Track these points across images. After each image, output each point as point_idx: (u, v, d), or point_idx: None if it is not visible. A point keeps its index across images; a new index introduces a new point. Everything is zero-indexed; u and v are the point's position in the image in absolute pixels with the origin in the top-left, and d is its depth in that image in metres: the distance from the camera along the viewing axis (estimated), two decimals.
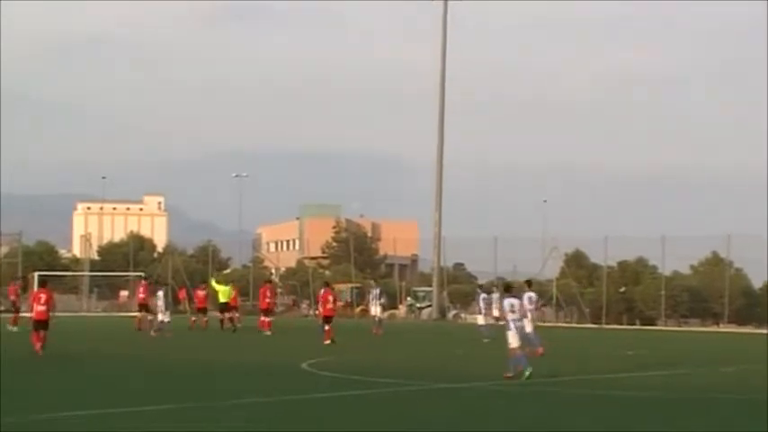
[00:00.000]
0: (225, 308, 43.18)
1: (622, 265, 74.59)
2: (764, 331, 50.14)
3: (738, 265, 70.44)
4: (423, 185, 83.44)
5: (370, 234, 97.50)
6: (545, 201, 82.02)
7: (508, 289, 22.36)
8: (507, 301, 21.08)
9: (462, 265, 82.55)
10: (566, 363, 25.67)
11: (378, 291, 45.03)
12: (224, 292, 43.69)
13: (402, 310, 71.52)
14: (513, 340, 20.49)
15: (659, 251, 68.17)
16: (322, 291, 36.45)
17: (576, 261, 76.26)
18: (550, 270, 72.19)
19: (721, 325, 63.69)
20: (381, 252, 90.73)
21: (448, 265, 74.94)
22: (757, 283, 70.47)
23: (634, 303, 71.73)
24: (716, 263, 71.54)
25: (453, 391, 19.14)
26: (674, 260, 70.58)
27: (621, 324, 67.59)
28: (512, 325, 20.61)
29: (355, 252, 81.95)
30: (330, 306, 34.20)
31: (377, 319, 42.45)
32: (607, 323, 65.25)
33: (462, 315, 67.96)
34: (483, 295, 40.14)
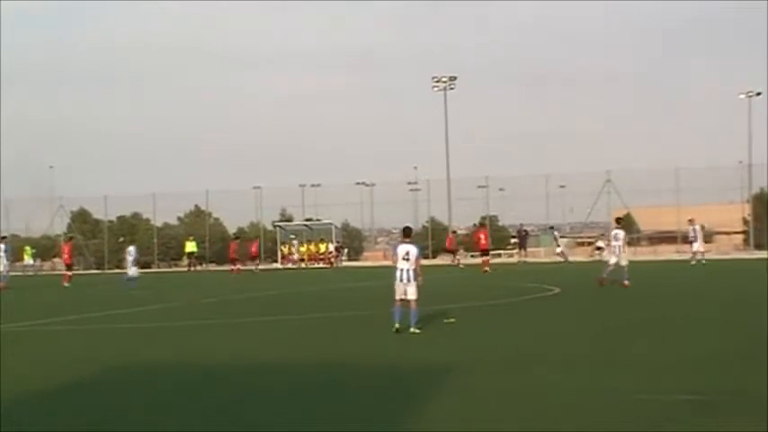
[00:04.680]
0: None
1: (121, 219, 77.90)
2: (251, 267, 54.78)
3: (216, 215, 76.52)
4: None
5: None
6: (51, 167, 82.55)
7: (407, 234, 18.39)
8: (402, 248, 17.67)
9: None
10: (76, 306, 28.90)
11: None
12: None
13: None
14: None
15: (151, 206, 72.35)
16: None
17: (82, 217, 77.77)
18: (59, 226, 73.86)
19: (204, 265, 69.06)
20: None
21: None
22: (231, 229, 76.95)
23: None
24: (198, 214, 76.94)
25: None
26: (163, 213, 75.06)
27: (122, 269, 70.96)
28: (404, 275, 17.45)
29: None
30: None
31: None
32: (109, 269, 68.47)
33: None
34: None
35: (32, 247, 65.11)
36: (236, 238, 57.98)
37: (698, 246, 46.05)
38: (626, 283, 28.18)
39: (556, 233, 60.08)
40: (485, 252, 45.64)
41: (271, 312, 24.25)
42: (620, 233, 29.71)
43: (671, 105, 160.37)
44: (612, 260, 29.41)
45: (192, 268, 61.23)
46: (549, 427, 9.11)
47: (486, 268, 42.95)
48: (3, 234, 53.41)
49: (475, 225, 73.65)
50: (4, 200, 72.32)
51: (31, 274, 59.88)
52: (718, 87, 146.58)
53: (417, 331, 17.08)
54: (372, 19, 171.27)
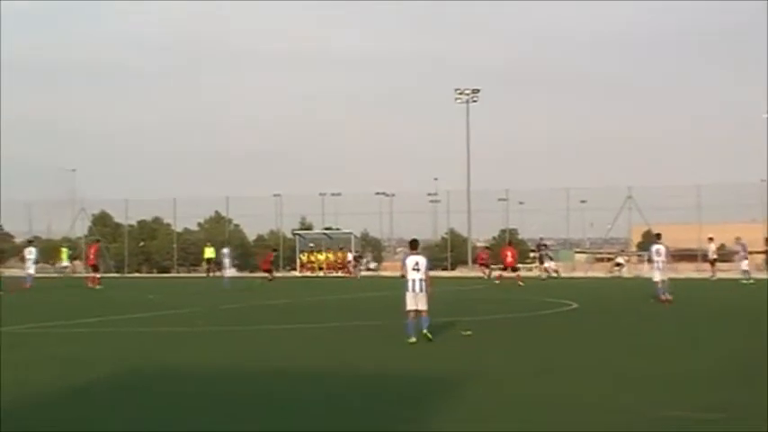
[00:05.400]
0: None
1: (141, 223, 78.20)
2: (256, 275, 55.21)
3: (236, 222, 76.75)
4: None
5: None
6: (73, 170, 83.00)
7: (414, 246, 18.40)
8: (411, 259, 17.77)
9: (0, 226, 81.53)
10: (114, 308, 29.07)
11: None
12: None
13: None
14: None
15: (172, 211, 72.67)
16: None
17: (103, 221, 78.02)
18: (80, 229, 74.21)
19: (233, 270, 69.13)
20: None
21: None
22: (251, 236, 77.20)
23: (151, 255, 75.74)
24: (218, 220, 77.18)
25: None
26: (184, 218, 75.31)
27: (141, 273, 71.39)
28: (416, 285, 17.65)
29: None
30: None
31: None
32: (129, 272, 68.74)
33: None
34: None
35: (71, 249, 65.28)
36: (274, 250, 57.83)
37: (746, 263, 46.04)
38: (668, 297, 28.19)
39: (547, 250, 58.47)
40: (514, 269, 45.85)
41: (289, 320, 24.26)
42: (662, 248, 29.68)
43: (693, 121, 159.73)
44: (657, 276, 29.28)
45: (211, 274, 61.31)
46: None
47: (520, 282, 42.96)
48: (30, 238, 53.96)
49: (494, 238, 73.54)
50: (26, 202, 72.85)
51: (62, 275, 59.91)
52: (742, 103, 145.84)
53: (429, 335, 17.31)
54: (396, 27, 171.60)
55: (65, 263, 62.77)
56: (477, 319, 22.84)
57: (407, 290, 17.72)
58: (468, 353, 16.31)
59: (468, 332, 18.98)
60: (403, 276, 17.97)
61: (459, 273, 58.67)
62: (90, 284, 41.41)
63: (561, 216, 66.05)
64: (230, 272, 39.89)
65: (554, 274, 51.95)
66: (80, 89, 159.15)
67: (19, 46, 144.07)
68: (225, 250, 41.75)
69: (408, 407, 10.84)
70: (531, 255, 69.25)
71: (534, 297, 32.58)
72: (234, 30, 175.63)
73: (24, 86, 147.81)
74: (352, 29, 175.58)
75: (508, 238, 59.99)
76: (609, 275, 56.09)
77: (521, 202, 67.61)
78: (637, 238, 70.58)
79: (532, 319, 24.11)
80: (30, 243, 45.88)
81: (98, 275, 42.86)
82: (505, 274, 45.64)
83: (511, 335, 19.84)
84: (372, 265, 65.31)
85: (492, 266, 52.25)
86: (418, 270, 17.75)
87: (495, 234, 76.64)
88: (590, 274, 58.41)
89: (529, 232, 72.10)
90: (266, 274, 48.68)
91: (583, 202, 65.70)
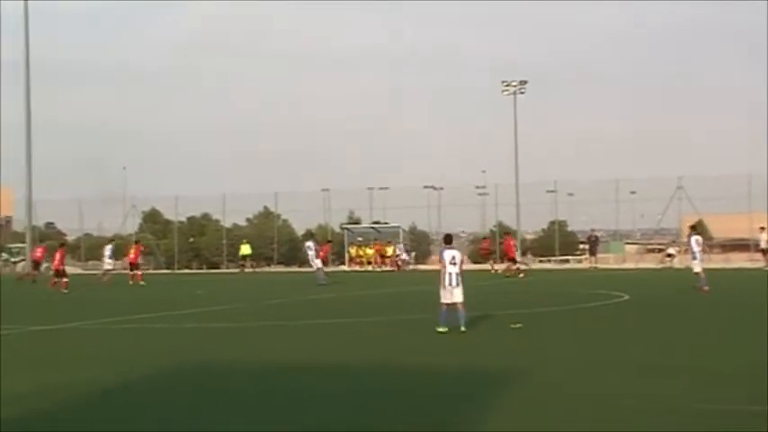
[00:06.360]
0: None
1: (191, 219, 78.65)
2: (304, 269, 55.29)
3: (285, 217, 76.91)
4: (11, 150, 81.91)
5: None
6: (124, 167, 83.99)
7: (448, 240, 19.18)
8: (448, 253, 18.18)
9: (53, 223, 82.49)
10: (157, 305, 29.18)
11: None
12: None
13: None
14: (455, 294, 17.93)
15: (220, 207, 73.07)
16: None
17: (153, 218, 78.46)
18: (130, 226, 74.91)
19: (272, 266, 69.53)
20: None
21: (39, 224, 74.41)
22: (300, 231, 77.20)
23: (201, 251, 76.18)
24: (266, 215, 77.42)
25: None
26: (232, 214, 75.62)
27: (191, 269, 71.85)
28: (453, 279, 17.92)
29: None
30: None
31: None
32: (179, 269, 69.21)
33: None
34: None
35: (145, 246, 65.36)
36: (329, 241, 57.70)
37: None
38: (705, 288, 28.42)
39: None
40: (512, 260, 45.89)
41: (338, 314, 24.15)
42: (700, 239, 30.34)
43: (747, 112, 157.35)
44: (698, 267, 29.46)
45: (248, 269, 61.45)
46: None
47: (521, 275, 43.06)
48: (111, 237, 55.60)
49: (543, 230, 72.85)
50: (78, 200, 73.59)
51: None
52: None
53: (465, 330, 17.46)
54: (443, 19, 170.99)
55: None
56: (525, 311, 22.55)
57: (444, 283, 18.03)
58: (519, 346, 16.07)
59: (519, 325, 18.76)
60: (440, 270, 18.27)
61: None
62: (131, 281, 41.95)
63: (611, 207, 65.35)
64: (318, 263, 40.37)
65: (522, 267, 49.09)
66: (133, 89, 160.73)
67: (69, 48, 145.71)
68: (309, 243, 41.61)
69: (461, 403, 10.65)
70: (581, 246, 68.57)
71: (581, 289, 32.18)
72: (279, 30, 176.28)
73: (78, 87, 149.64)
74: (395, 26, 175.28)
75: (488, 230, 59.16)
76: (660, 266, 55.29)
77: (570, 194, 66.98)
78: (687, 229, 69.58)
79: (582, 311, 23.77)
80: (110, 241, 48.81)
81: (139, 272, 43.39)
82: (510, 266, 45.37)
83: (559, 327, 19.54)
84: (406, 257, 63.87)
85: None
86: (455, 264, 18.06)
87: (545, 226, 75.98)
88: (640, 265, 57.62)
89: (578, 224, 71.45)
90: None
91: (632, 193, 64.92)
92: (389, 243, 63.83)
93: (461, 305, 17.93)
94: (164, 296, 33.84)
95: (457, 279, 18.00)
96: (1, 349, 16.26)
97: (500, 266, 48.17)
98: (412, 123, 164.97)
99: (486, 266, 49.09)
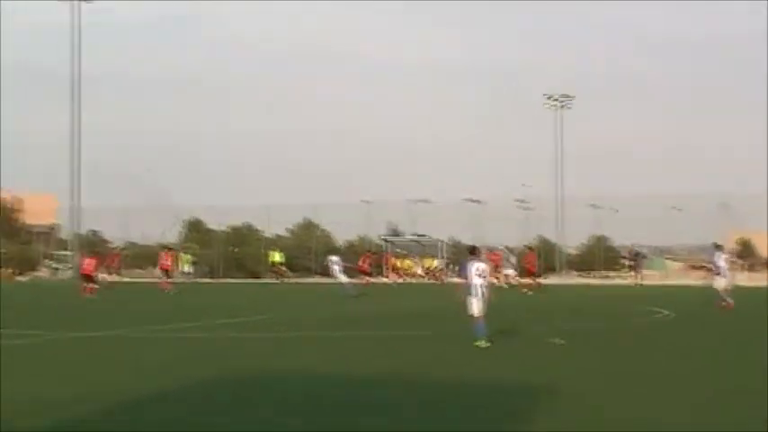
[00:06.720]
0: None
1: (235, 229, 78.87)
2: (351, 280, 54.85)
3: (325, 228, 76.91)
4: (57, 159, 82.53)
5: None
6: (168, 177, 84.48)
7: (474, 252, 18.98)
8: (474, 265, 18.07)
9: (98, 231, 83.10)
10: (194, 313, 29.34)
11: None
12: None
13: (45, 271, 72.07)
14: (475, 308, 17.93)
15: (262, 217, 73.26)
16: None
17: (195, 227, 78.92)
18: (171, 236, 75.18)
19: (316, 277, 69.38)
20: (27, 221, 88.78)
21: (83, 232, 74.94)
22: (340, 242, 77.08)
23: (243, 261, 76.35)
24: (307, 226, 77.49)
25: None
26: (275, 225, 75.79)
27: (234, 278, 72.04)
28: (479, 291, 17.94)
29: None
30: None
31: None
32: (222, 277, 69.44)
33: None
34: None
35: (194, 255, 65.39)
36: (374, 253, 57.53)
37: None
38: (729, 302, 29.00)
39: (510, 256, 55.59)
40: (532, 274, 45.71)
41: (379, 326, 24.10)
42: (727, 256, 31.50)
43: None
44: (723, 284, 30.01)
45: (279, 280, 60.17)
46: None
47: (530, 291, 42.69)
48: (166, 244, 56.31)
49: (583, 245, 72.26)
50: (122, 208, 74.11)
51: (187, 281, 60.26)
52: None
53: (483, 344, 17.40)
54: (486, 33, 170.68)
55: (186, 268, 62.02)
56: (568, 327, 22.35)
57: (473, 295, 17.92)
58: (561, 363, 15.91)
59: (562, 341, 18.59)
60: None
61: (547, 281, 57.59)
62: (162, 288, 42.23)
63: (653, 223, 64.75)
64: (343, 278, 40.58)
65: (513, 282, 48.08)
66: (174, 95, 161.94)
67: (120, 59, 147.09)
68: (333, 257, 41.87)
69: (505, 417, 10.58)
70: (623, 262, 68.01)
71: (629, 306, 31.87)
72: (311, 35, 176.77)
73: (121, 96, 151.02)
74: (442, 36, 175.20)
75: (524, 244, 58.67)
76: (702, 283, 54.60)
77: (615, 209, 66.44)
78: (731, 246, 68.79)
79: (624, 327, 23.52)
80: (167, 249, 49.66)
81: (169, 280, 43.46)
82: (528, 281, 44.98)
83: (601, 344, 19.34)
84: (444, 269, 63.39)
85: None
86: (482, 276, 18.02)
87: (585, 240, 75.42)
88: (682, 281, 56.89)
89: (620, 239, 70.88)
90: (367, 277, 48.67)
91: (677, 209, 64.30)
92: (432, 256, 63.72)
93: (483, 317, 17.83)
94: (201, 305, 33.98)
95: (483, 291, 17.93)
96: (33, 355, 16.36)
97: (522, 280, 47.58)
98: (452, 134, 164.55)
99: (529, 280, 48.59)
